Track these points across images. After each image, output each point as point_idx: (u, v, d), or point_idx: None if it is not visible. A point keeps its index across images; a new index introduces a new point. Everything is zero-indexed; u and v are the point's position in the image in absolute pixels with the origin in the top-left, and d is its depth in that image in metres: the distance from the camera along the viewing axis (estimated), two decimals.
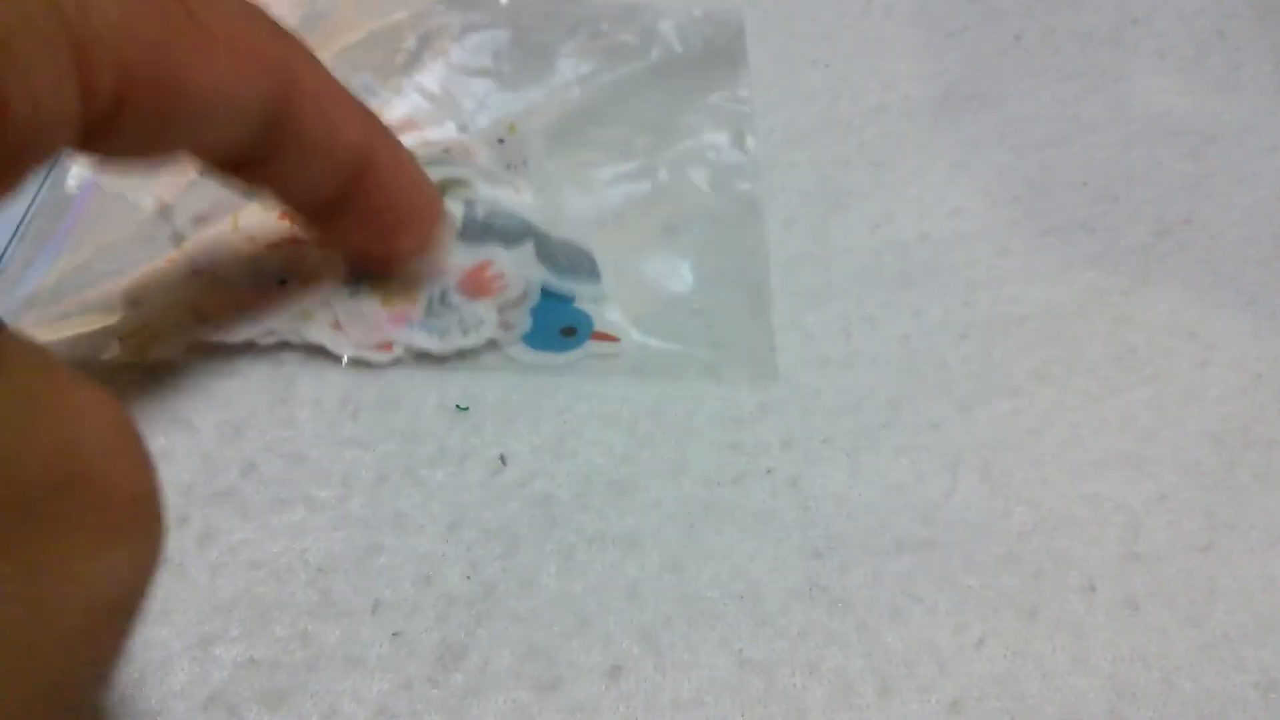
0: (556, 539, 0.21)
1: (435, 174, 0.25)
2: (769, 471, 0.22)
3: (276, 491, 0.21)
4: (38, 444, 0.11)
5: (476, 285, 0.24)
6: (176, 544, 0.21)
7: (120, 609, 0.12)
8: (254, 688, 0.19)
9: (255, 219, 0.25)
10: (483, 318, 0.24)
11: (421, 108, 0.28)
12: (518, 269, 0.24)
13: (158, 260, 0.24)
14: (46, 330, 0.23)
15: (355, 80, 0.28)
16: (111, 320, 0.23)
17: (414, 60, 0.29)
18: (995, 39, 0.31)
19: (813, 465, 0.22)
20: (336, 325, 0.23)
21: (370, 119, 0.21)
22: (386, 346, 0.23)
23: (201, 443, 0.22)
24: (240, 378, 0.23)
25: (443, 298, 0.24)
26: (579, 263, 0.25)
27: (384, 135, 0.21)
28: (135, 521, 0.12)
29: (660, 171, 0.27)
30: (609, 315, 0.24)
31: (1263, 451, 0.23)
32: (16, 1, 0.12)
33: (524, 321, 0.24)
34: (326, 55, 0.22)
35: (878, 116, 0.30)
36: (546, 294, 0.24)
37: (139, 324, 0.23)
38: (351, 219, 0.22)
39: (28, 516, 0.11)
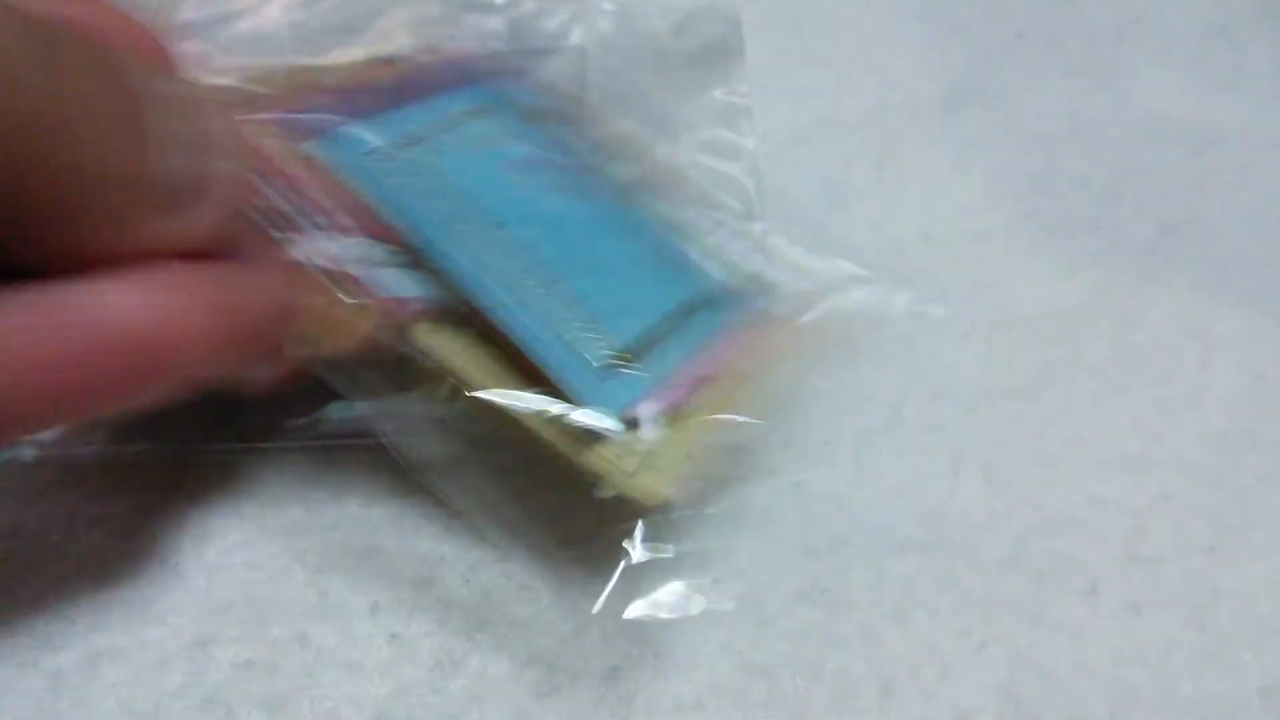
0: None
1: None
2: (771, 473, 0.22)
3: (273, 492, 0.21)
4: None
5: None
6: (173, 544, 0.20)
7: None
8: (251, 689, 0.19)
9: None
10: None
11: None
12: None
13: None
14: None
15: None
16: None
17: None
18: (998, 37, 0.31)
19: (815, 466, 0.22)
20: None
21: None
22: None
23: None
24: None
25: None
26: None
27: None
28: None
29: (660, 166, 0.27)
30: None
31: (1266, 453, 0.23)
32: None
33: None
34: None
35: (880, 115, 0.29)
36: None
37: None
38: None
39: None
